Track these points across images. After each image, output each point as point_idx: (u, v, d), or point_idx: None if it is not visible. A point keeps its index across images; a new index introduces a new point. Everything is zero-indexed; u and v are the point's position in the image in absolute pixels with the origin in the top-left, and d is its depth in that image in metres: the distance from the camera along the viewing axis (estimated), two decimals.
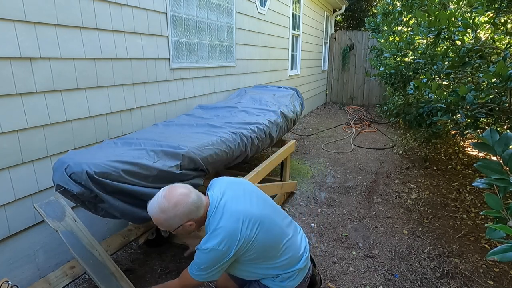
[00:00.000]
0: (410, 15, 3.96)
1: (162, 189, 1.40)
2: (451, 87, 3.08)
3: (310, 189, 3.92)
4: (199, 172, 2.13)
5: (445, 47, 3.13)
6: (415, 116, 3.99)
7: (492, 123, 3.34)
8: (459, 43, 2.58)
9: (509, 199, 3.06)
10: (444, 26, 2.43)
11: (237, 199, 1.45)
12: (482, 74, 2.40)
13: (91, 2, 2.40)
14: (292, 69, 7.43)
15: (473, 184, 1.19)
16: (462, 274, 2.42)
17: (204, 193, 1.50)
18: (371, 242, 2.83)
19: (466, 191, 3.89)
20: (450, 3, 3.66)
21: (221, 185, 1.51)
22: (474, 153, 5.40)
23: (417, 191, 3.90)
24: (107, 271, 1.85)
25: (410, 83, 2.95)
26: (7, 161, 1.98)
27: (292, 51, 7.35)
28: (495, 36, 3.11)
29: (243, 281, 1.66)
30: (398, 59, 4.75)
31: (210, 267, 1.37)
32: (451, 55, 2.86)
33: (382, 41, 4.84)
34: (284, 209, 3.36)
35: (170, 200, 1.34)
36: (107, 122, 2.65)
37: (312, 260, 1.73)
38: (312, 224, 3.11)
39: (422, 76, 4.14)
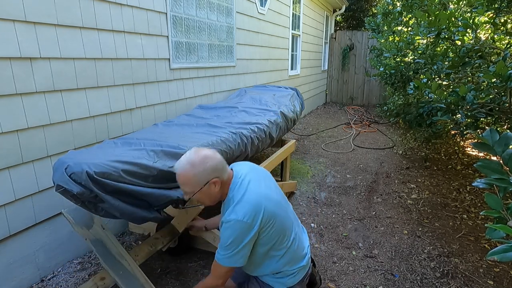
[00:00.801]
0: (410, 15, 3.96)
1: (189, 150, 1.43)
2: (451, 87, 3.08)
3: (310, 189, 3.92)
4: None
5: (445, 47, 3.13)
6: (415, 116, 3.99)
7: (492, 123, 3.34)
8: (459, 43, 2.57)
9: (509, 199, 3.06)
10: (444, 26, 2.43)
11: (259, 182, 1.46)
12: (482, 74, 2.40)
13: (91, 2, 2.40)
14: (292, 69, 7.43)
15: (473, 184, 1.19)
16: (462, 274, 2.42)
17: None
18: (371, 242, 2.83)
19: (466, 191, 3.89)
20: (450, 3, 3.66)
21: (244, 167, 1.54)
22: (474, 153, 5.40)
23: (417, 191, 3.90)
24: (138, 282, 1.82)
25: (410, 83, 2.95)
26: (7, 161, 1.98)
27: (292, 51, 7.35)
28: (495, 36, 3.11)
29: (243, 279, 1.67)
30: (398, 59, 4.75)
31: (235, 244, 1.33)
32: (451, 55, 2.87)
33: (382, 41, 4.84)
34: None
35: (199, 154, 1.37)
36: (107, 122, 2.65)
37: (312, 260, 1.73)
38: (312, 224, 3.11)
39: (422, 76, 4.14)
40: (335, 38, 10.44)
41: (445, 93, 2.51)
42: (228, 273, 1.43)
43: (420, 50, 3.67)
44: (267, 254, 1.47)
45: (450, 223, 3.16)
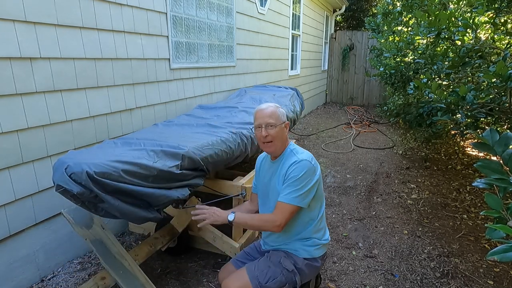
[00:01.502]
0: (410, 15, 3.95)
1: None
2: (451, 87, 3.08)
3: None
4: (199, 172, 2.13)
5: (445, 47, 3.13)
6: (415, 116, 3.99)
7: (492, 123, 3.33)
8: (459, 43, 2.57)
9: (509, 199, 3.06)
10: (444, 26, 2.43)
11: None
12: (482, 74, 2.40)
13: (91, 2, 2.40)
14: (292, 69, 7.43)
15: (473, 184, 1.19)
16: (462, 274, 2.42)
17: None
18: (371, 242, 2.83)
19: (466, 191, 3.88)
20: (450, 3, 3.66)
21: None
22: (474, 153, 5.40)
23: (417, 191, 3.90)
24: (138, 282, 1.82)
25: (410, 83, 2.95)
26: (7, 161, 1.98)
27: (292, 51, 7.35)
28: (495, 36, 3.11)
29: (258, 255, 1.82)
30: (398, 59, 4.74)
31: (303, 181, 1.54)
32: (451, 55, 2.86)
33: (382, 41, 4.83)
34: None
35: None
36: (107, 122, 2.65)
37: None
38: None
39: (422, 76, 4.13)
40: (335, 38, 10.44)
41: (445, 93, 2.50)
42: (289, 213, 1.55)
43: (420, 50, 3.67)
44: (310, 212, 1.64)
45: (450, 223, 3.16)
